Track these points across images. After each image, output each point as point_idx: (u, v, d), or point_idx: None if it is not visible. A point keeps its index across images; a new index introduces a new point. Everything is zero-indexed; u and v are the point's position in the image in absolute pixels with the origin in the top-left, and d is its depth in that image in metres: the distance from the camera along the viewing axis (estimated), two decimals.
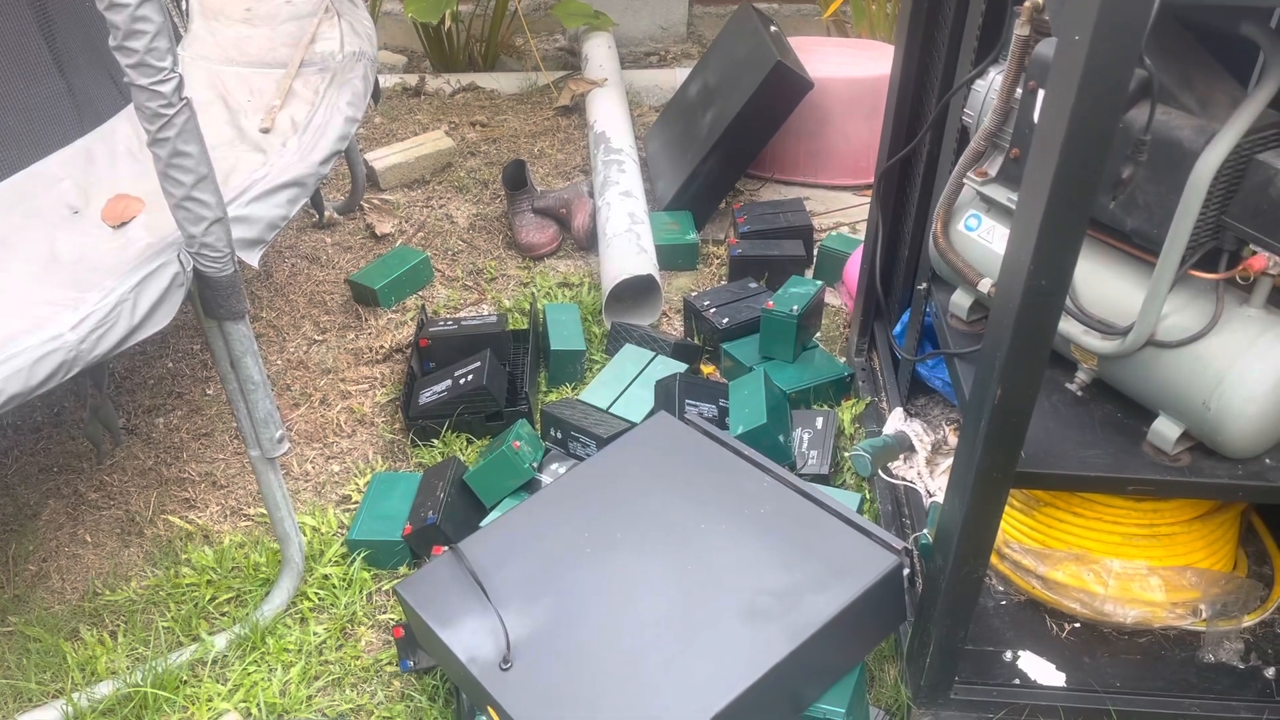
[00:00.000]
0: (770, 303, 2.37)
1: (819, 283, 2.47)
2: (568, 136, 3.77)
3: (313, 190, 1.91)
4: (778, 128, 2.99)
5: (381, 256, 3.00)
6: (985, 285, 1.68)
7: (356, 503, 2.24)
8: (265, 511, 2.23)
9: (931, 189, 1.99)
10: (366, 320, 2.83)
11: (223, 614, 2.01)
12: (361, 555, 2.06)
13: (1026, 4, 1.55)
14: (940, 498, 1.89)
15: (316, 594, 2.02)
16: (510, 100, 4.11)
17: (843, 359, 2.55)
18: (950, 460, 2.00)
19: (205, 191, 1.56)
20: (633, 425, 2.23)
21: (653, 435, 1.84)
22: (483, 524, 2.07)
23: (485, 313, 2.82)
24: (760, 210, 2.97)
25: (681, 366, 2.36)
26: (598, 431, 2.18)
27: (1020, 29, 1.56)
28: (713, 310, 2.54)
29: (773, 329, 2.37)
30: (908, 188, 2.16)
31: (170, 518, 2.24)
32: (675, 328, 2.72)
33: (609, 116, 3.46)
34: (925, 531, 1.76)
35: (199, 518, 2.25)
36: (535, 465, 2.13)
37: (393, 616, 1.98)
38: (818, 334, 2.58)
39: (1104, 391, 1.61)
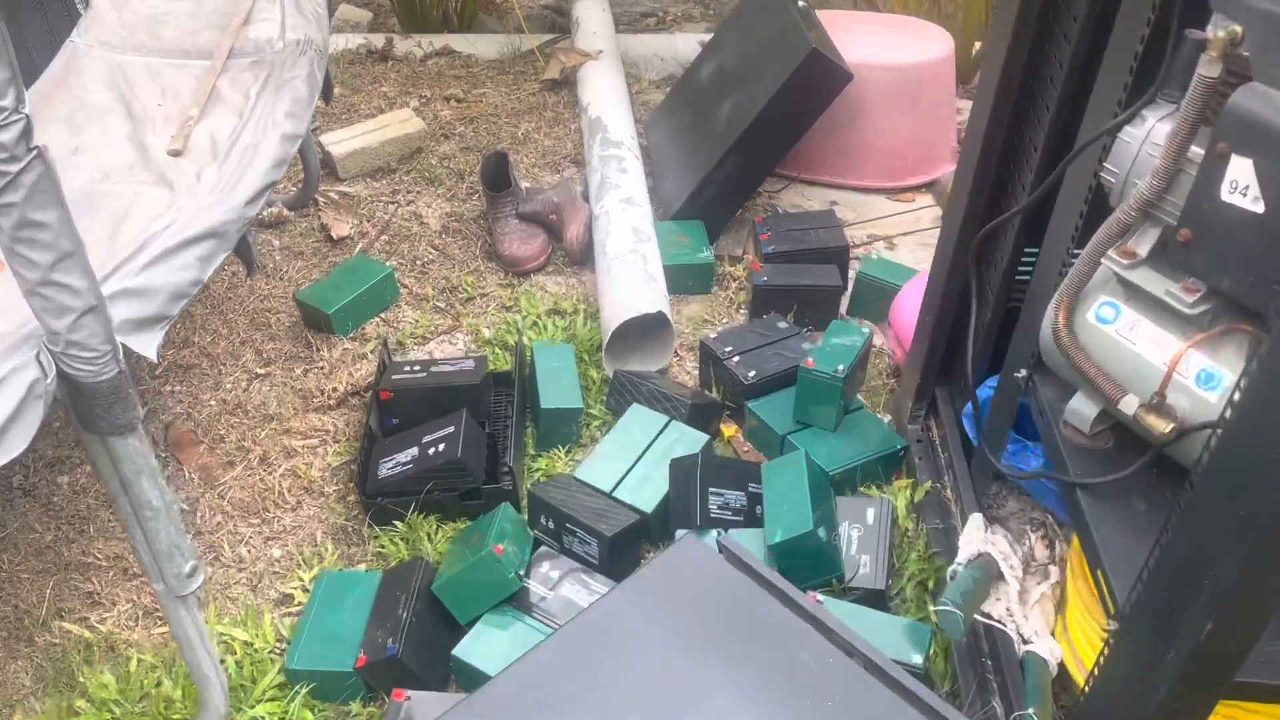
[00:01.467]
0: (810, 359, 1.95)
1: (866, 330, 2.05)
2: (556, 116, 3.29)
3: (236, 241, 1.45)
4: (809, 126, 2.55)
5: (337, 269, 2.54)
6: (1129, 405, 1.26)
7: (300, 604, 1.82)
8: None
9: (1029, 240, 1.56)
10: (318, 350, 2.38)
11: None
12: (305, 689, 1.65)
13: (1216, 33, 1.12)
14: (1038, 646, 1.49)
15: None
16: (490, 68, 3.62)
17: (887, 417, 2.14)
18: (1043, 586, 1.60)
19: (71, 273, 1.11)
20: (642, 517, 1.82)
21: (676, 576, 1.42)
22: (457, 651, 1.65)
23: (461, 346, 2.38)
24: (786, 225, 2.53)
25: (702, 438, 1.94)
26: (599, 527, 1.76)
27: (1207, 68, 1.13)
28: (736, 359, 2.11)
29: (813, 392, 1.95)
30: (989, 244, 1.73)
31: (67, 624, 1.80)
32: (689, 370, 2.29)
33: (606, 98, 2.98)
34: (1029, 711, 1.36)
35: (103, 621, 1.82)
36: (521, 574, 1.71)
37: None
38: (861, 387, 2.16)
39: None
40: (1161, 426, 1.23)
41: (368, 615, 1.70)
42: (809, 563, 1.70)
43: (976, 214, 1.71)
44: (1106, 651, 1.20)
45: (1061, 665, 1.50)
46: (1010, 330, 1.59)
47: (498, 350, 2.33)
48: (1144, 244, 1.27)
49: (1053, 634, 1.55)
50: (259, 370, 2.34)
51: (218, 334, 2.43)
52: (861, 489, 1.94)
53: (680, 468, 1.84)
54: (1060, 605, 1.59)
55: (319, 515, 2.00)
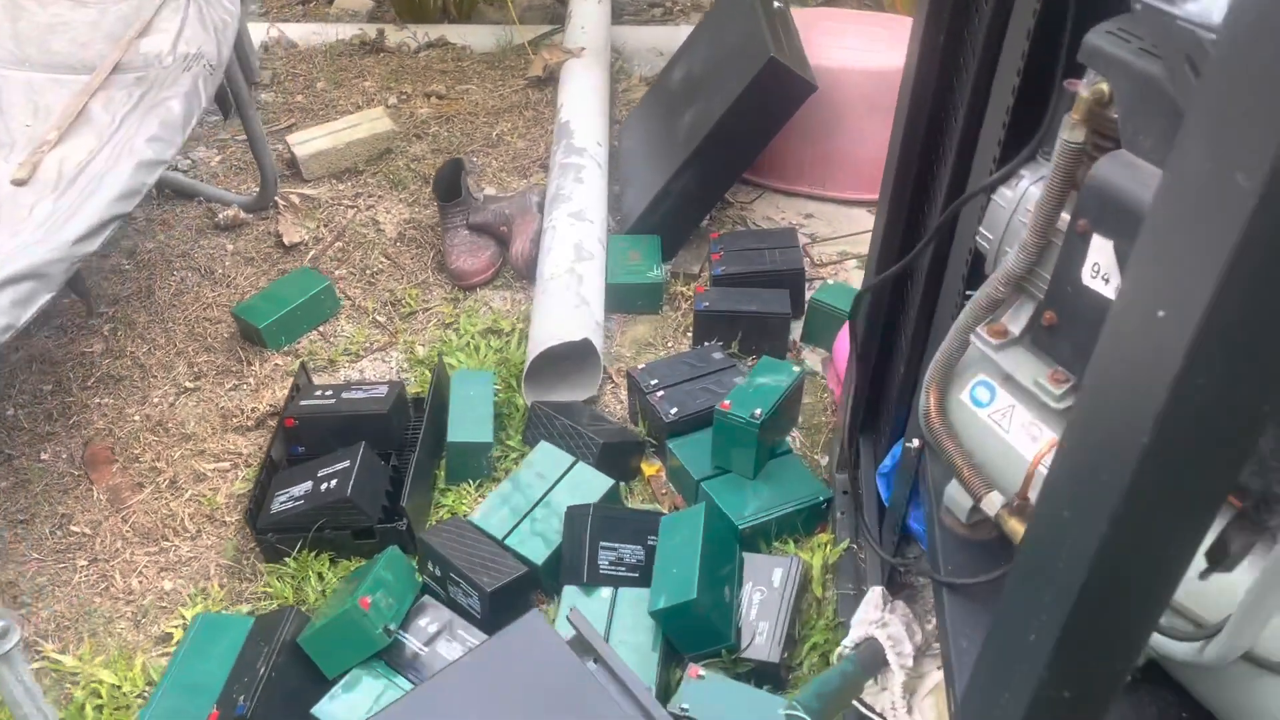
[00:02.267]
0: (727, 402, 1.81)
1: (797, 369, 1.90)
2: (536, 116, 3.17)
3: (62, 281, 1.36)
4: (770, 137, 2.38)
5: (276, 281, 2.46)
6: (993, 504, 1.11)
7: (178, 643, 1.75)
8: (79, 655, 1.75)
9: (934, 304, 1.40)
10: (249, 365, 2.31)
11: None
12: None
13: (1083, 91, 0.95)
14: None
15: None
16: (479, 63, 3.50)
17: (824, 460, 1.99)
18: (937, 678, 1.45)
19: None
20: (530, 569, 1.70)
21: (511, 661, 1.31)
22: (315, 709, 1.57)
23: (394, 364, 2.29)
24: (742, 243, 2.38)
25: (606, 484, 1.82)
26: (481, 580, 1.65)
27: (1070, 132, 0.97)
28: (660, 393, 1.98)
29: (729, 436, 1.81)
30: (905, 288, 1.57)
31: None
32: (622, 399, 2.17)
33: (580, 101, 2.85)
34: None
35: None
36: (391, 629, 1.62)
37: None
38: (795, 425, 2.01)
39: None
40: (1022, 530, 1.08)
41: (234, 663, 1.63)
42: (695, 631, 1.58)
43: (890, 257, 1.55)
44: None
45: None
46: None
47: (426, 372, 2.23)
48: (1016, 322, 1.11)
49: None
50: (188, 384, 2.28)
51: (155, 344, 2.38)
52: (776, 544, 1.80)
53: (574, 518, 1.72)
54: None
55: (217, 547, 1.93)
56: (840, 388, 2.00)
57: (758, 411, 1.78)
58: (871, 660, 1.40)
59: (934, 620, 1.52)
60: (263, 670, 1.56)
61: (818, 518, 1.83)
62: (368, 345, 2.34)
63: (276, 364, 2.31)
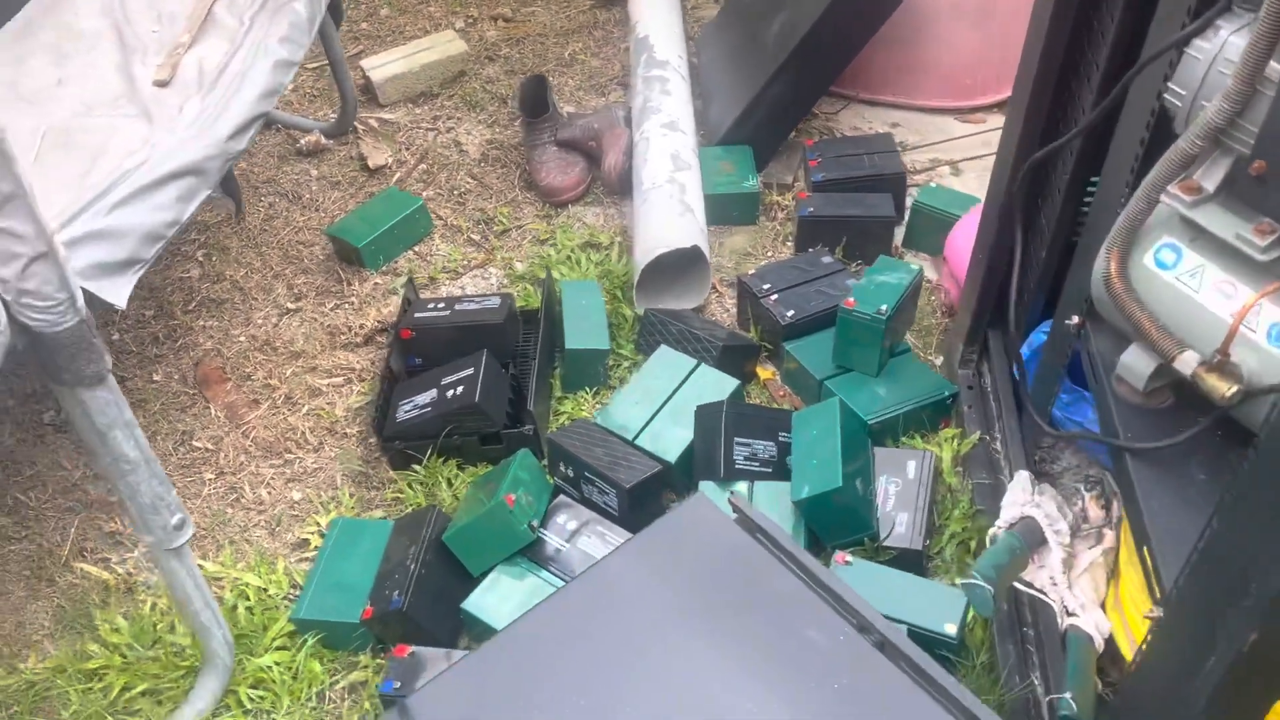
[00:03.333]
0: (850, 299, 1.81)
1: (916, 267, 1.89)
2: (606, 36, 3.13)
3: (219, 177, 1.37)
4: (864, 43, 2.35)
5: (367, 202, 2.46)
6: (1188, 364, 1.11)
7: (316, 550, 1.77)
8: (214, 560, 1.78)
9: (1092, 169, 1.38)
10: (349, 285, 2.32)
11: (135, 712, 1.58)
12: (313, 638, 1.61)
13: None
14: (1083, 621, 1.36)
15: (251, 695, 1.57)
16: None
17: (939, 359, 1.99)
18: (1095, 552, 1.46)
19: (15, 216, 1.04)
20: (664, 467, 1.72)
21: (680, 539, 1.33)
22: (466, 604, 1.59)
23: (493, 281, 2.30)
24: (838, 150, 2.35)
25: (732, 384, 1.82)
26: (617, 477, 1.67)
27: None
28: (774, 297, 1.98)
29: (852, 334, 1.81)
30: (1048, 171, 1.55)
31: (86, 565, 1.80)
32: (727, 307, 2.17)
33: (655, 15, 2.81)
34: (1067, 695, 1.24)
35: (123, 562, 1.81)
36: (535, 524, 1.64)
37: None
38: (910, 328, 2.01)
39: None
40: (1223, 388, 1.08)
41: (378, 565, 1.65)
42: (838, 520, 1.59)
43: (1032, 139, 1.53)
44: (1149, 639, 1.07)
45: (1111, 639, 1.37)
46: (1069, 268, 1.43)
47: (529, 287, 2.23)
48: (1211, 177, 1.10)
49: (1103, 605, 1.42)
50: (290, 305, 2.29)
51: (251, 267, 2.39)
52: (904, 440, 1.81)
53: (706, 415, 1.73)
54: (1113, 573, 1.45)
55: (341, 458, 1.95)
56: (956, 288, 1.99)
57: (883, 308, 1.77)
58: (1032, 537, 1.41)
59: (1079, 504, 1.53)
60: (413, 567, 1.58)
61: (942, 413, 1.84)
62: (465, 263, 2.35)
63: (376, 283, 2.31)
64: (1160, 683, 1.02)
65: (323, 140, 2.71)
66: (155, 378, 2.15)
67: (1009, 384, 1.71)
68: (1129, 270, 1.19)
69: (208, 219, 2.52)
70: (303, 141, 2.70)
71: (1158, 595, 1.10)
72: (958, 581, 1.35)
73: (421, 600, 1.56)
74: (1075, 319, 1.36)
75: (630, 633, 1.24)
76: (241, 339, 2.22)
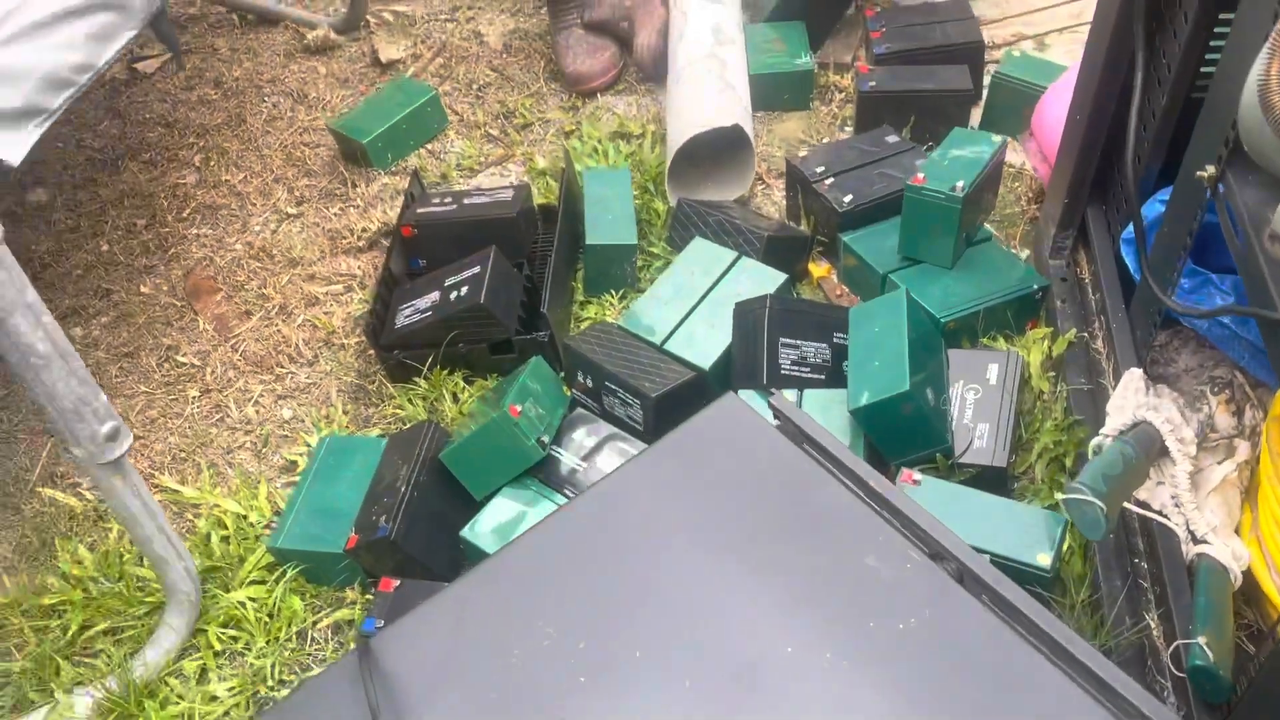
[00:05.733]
0: (920, 175, 1.52)
1: (997, 139, 1.59)
2: None
3: (145, 16, 1.12)
4: None
5: (374, 93, 2.22)
6: None
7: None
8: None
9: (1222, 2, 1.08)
10: (354, 186, 2.08)
11: (95, 654, 1.39)
12: (293, 570, 1.40)
13: None
14: (1215, 549, 1.09)
15: (222, 634, 1.37)
16: None
17: (1025, 252, 1.70)
18: (1227, 467, 1.18)
19: None
20: (697, 374, 1.47)
21: (711, 445, 1.07)
22: (464, 532, 1.37)
23: (512, 179, 2.05)
24: (904, 19, 2.04)
25: (779, 278, 1.56)
26: (642, 386, 1.42)
27: None
28: (829, 181, 1.70)
29: (923, 217, 1.53)
30: (1170, 6, 1.25)
31: (53, 491, 1.61)
32: (776, 200, 1.89)
33: None
34: (1200, 640, 0.97)
35: (94, 488, 1.62)
36: (545, 440, 1.40)
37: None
38: (990, 213, 1.72)
39: None
40: None
41: (368, 485, 1.43)
42: (904, 432, 1.32)
43: None
44: None
45: (1249, 573, 1.10)
46: (1190, 128, 1.14)
47: (551, 181, 1.97)
48: None
49: (1237, 531, 1.14)
50: (290, 210, 2.07)
51: (251, 171, 2.17)
52: (984, 341, 1.53)
53: (746, 313, 1.47)
54: (1250, 492, 1.17)
55: (336, 371, 1.73)
56: (1046, 168, 1.69)
57: (959, 184, 1.49)
58: (1148, 446, 1.13)
59: (1204, 410, 1.24)
60: (404, 490, 1.36)
61: (1029, 310, 1.55)
62: (482, 159, 2.10)
63: (384, 183, 2.08)
64: None
65: (332, 35, 2.47)
66: (143, 289, 1.95)
67: (1113, 270, 1.41)
68: None
69: (206, 122, 2.30)
70: (310, 37, 2.46)
71: None
72: (1057, 498, 1.09)
73: (413, 527, 1.34)
74: (1209, 169, 1.07)
75: (644, 559, 1.00)
76: (237, 247, 2.00)
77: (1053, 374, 1.46)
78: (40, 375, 1.06)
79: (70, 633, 1.39)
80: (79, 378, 1.08)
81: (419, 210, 1.76)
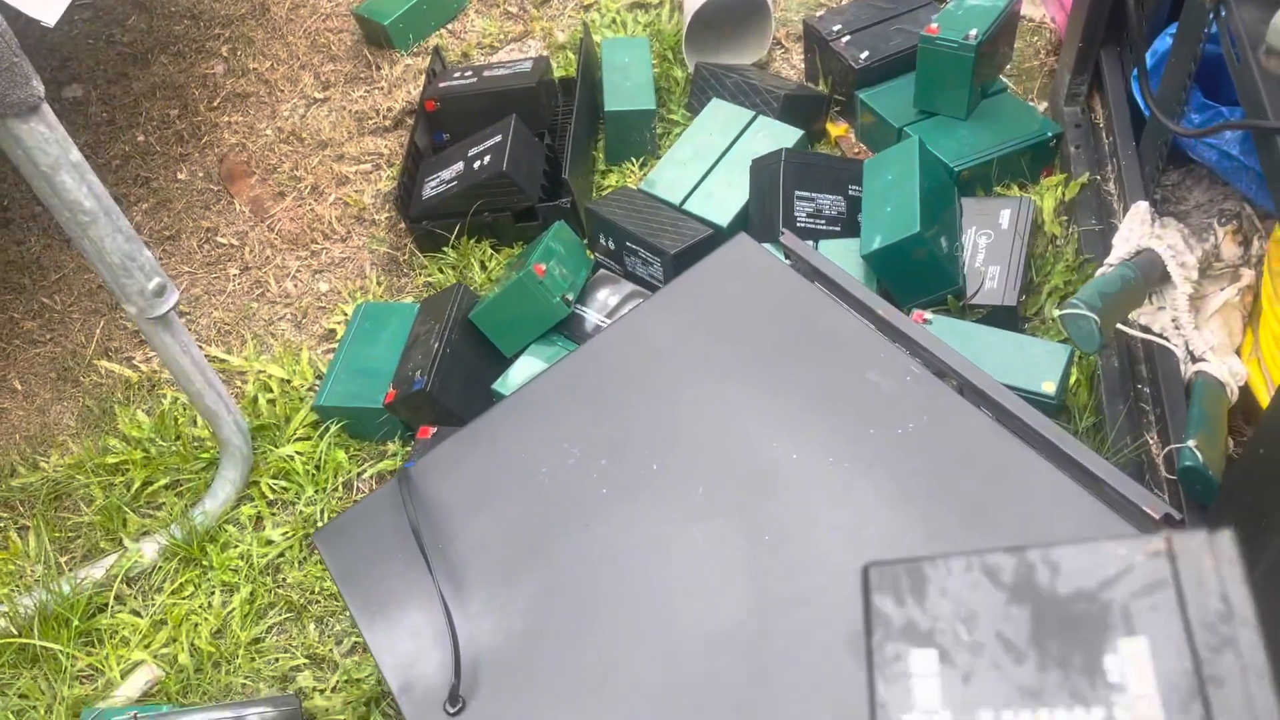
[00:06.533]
0: (934, 25, 1.53)
1: None
2: None
3: None
4: None
5: None
6: None
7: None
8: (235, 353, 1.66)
9: None
10: (379, 68, 2.11)
11: (158, 506, 1.49)
12: (336, 426, 1.49)
13: None
14: (1213, 366, 1.13)
15: (274, 485, 1.46)
16: None
17: (1042, 105, 1.70)
18: (1229, 292, 1.21)
19: None
20: (714, 231, 1.51)
21: (724, 282, 1.12)
22: (496, 385, 1.44)
23: (527, 55, 2.06)
24: None
25: (794, 133, 1.58)
26: (662, 244, 1.47)
27: None
28: (845, 39, 1.70)
29: (937, 67, 1.54)
30: None
31: (109, 363, 1.70)
32: (794, 64, 1.90)
33: None
34: (1190, 444, 1.02)
35: (147, 360, 1.70)
36: (570, 298, 1.46)
37: None
38: (1006, 66, 1.72)
39: None
40: None
41: (404, 346, 1.50)
42: (916, 275, 1.36)
43: None
44: None
45: (1246, 389, 1.14)
46: None
47: (570, 55, 1.99)
48: None
49: (1237, 353, 1.18)
50: (317, 95, 2.10)
51: (277, 59, 2.20)
52: (998, 189, 1.55)
53: (762, 169, 1.50)
54: (1252, 316, 1.20)
55: (368, 245, 1.79)
56: (1061, 14, 1.68)
57: (973, 33, 1.49)
58: (1150, 270, 1.16)
59: (1211, 240, 1.26)
60: (437, 346, 1.42)
61: (1043, 159, 1.57)
62: (502, 37, 2.11)
63: (407, 64, 2.10)
64: None
65: None
66: (180, 176, 2.01)
67: (1125, 112, 1.42)
68: None
69: (230, 13, 2.33)
70: None
71: None
72: (1055, 313, 1.12)
73: (447, 382, 1.41)
74: None
75: (661, 384, 1.06)
76: (268, 132, 2.05)
77: (1065, 218, 1.48)
78: (87, 231, 1.12)
79: (134, 488, 1.49)
80: (124, 234, 1.15)
81: (440, 84, 1.80)
